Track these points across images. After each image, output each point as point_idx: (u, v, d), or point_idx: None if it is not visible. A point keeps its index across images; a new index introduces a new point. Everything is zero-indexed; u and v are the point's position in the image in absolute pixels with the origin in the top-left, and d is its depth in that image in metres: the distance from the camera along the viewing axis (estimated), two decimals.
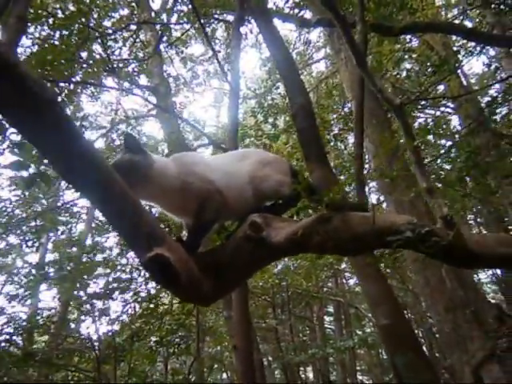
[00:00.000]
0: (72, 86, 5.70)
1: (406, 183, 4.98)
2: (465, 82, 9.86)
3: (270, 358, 10.54)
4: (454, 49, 7.57)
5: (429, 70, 7.28)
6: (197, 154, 1.89)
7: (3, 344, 5.98)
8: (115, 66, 6.27)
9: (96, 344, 6.18)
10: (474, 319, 4.50)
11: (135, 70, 6.94)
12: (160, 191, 1.58)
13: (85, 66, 5.82)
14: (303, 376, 11.72)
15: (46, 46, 5.35)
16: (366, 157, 6.93)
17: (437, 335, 8.81)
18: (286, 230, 1.57)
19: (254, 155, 1.84)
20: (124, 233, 1.38)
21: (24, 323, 6.57)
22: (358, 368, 13.42)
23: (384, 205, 7.87)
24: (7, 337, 6.06)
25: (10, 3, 2.01)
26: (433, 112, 10.62)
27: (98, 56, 5.98)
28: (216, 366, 9.04)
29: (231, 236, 1.66)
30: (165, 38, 7.44)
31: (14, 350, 6.11)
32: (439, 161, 7.49)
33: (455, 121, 10.13)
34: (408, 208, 5.28)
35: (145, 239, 1.33)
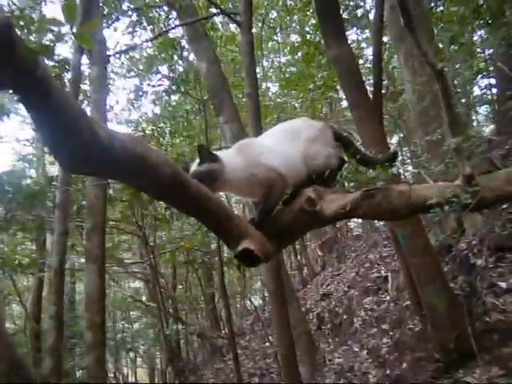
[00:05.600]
0: None
1: None
2: None
3: None
4: None
5: None
6: (257, 141, 2.05)
7: None
8: None
9: None
10: None
11: None
12: (234, 186, 1.91)
13: None
14: None
15: None
16: None
17: None
18: (336, 204, 1.90)
19: (303, 133, 2.01)
20: (218, 233, 1.75)
21: None
22: None
23: None
24: None
25: None
26: None
27: None
28: None
29: (288, 202, 1.99)
30: None
31: None
32: None
33: None
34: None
35: (234, 236, 1.70)
